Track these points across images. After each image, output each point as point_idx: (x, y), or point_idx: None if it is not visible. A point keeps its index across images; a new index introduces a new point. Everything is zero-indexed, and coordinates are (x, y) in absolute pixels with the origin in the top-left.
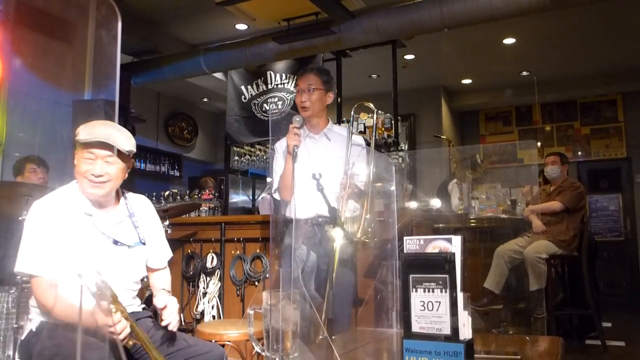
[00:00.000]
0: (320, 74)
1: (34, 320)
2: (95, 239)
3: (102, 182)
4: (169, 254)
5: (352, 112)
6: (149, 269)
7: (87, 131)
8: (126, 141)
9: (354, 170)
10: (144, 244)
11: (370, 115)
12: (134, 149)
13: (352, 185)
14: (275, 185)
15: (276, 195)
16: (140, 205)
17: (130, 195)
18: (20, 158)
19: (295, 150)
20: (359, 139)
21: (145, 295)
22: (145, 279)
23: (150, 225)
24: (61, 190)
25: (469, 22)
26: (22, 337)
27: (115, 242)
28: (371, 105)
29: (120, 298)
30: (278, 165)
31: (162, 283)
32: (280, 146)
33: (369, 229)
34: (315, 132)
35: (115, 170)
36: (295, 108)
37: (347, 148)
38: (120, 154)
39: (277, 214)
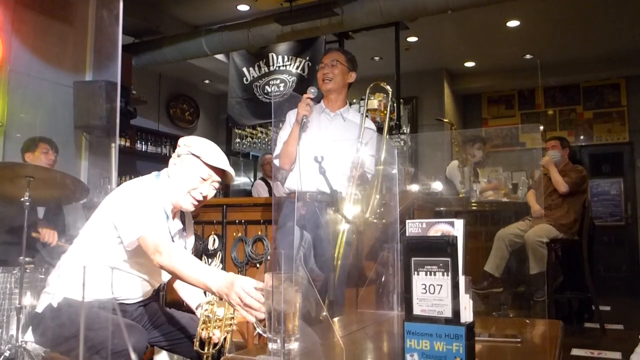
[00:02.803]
0: (344, 52)
1: (55, 296)
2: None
3: (201, 202)
4: None
5: (367, 92)
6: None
7: (212, 153)
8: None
9: (363, 153)
10: None
11: (380, 97)
12: None
13: (361, 169)
14: (277, 152)
15: (276, 162)
16: (188, 222)
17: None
18: (33, 136)
19: (304, 120)
20: (369, 124)
21: None
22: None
23: (190, 241)
24: (148, 182)
25: (473, 4)
26: (39, 310)
27: None
28: (387, 87)
29: (146, 291)
30: (284, 132)
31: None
32: (291, 115)
33: (378, 210)
34: (332, 109)
35: (212, 194)
36: (297, 90)
37: (360, 127)
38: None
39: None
